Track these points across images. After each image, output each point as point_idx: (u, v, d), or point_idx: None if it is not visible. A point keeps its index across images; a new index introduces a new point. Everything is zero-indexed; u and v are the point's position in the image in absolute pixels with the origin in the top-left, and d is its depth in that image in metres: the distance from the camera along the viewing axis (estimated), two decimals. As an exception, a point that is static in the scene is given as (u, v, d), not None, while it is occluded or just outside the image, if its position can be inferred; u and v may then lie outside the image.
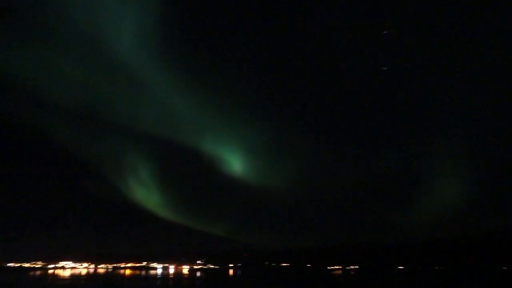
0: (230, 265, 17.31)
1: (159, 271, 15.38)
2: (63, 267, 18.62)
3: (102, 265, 19.19)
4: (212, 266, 16.76)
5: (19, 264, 18.30)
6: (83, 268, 18.40)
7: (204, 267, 16.97)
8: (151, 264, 18.50)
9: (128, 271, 14.64)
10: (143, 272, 13.50)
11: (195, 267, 17.02)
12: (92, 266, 19.18)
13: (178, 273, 12.77)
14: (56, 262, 18.63)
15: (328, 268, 14.99)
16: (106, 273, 13.77)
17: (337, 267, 15.46)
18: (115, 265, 19.27)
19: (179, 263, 17.91)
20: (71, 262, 19.53)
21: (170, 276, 9.08)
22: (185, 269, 15.75)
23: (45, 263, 18.77)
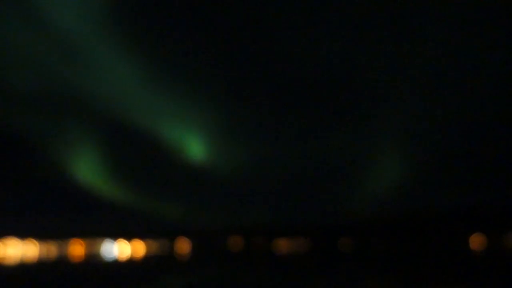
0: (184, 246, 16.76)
1: (109, 249, 14.07)
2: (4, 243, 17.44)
3: (48, 242, 17.95)
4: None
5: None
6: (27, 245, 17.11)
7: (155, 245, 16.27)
8: (101, 241, 17.45)
9: (77, 249, 13.78)
10: (94, 250, 12.74)
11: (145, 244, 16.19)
12: (37, 243, 17.99)
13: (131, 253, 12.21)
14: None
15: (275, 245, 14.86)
16: (53, 253, 12.98)
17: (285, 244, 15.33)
18: (61, 241, 18.15)
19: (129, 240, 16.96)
20: (14, 238, 18.32)
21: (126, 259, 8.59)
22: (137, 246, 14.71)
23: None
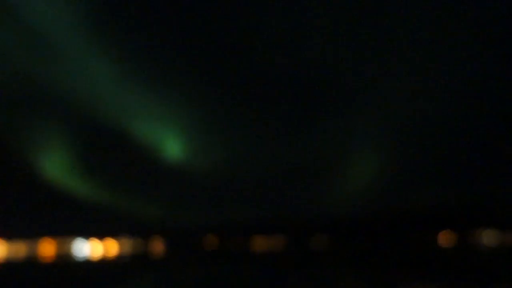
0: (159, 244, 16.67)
1: (81, 249, 13.70)
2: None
3: (16, 242, 17.41)
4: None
5: None
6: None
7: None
8: (73, 240, 16.98)
9: (48, 249, 13.41)
10: (65, 249, 12.45)
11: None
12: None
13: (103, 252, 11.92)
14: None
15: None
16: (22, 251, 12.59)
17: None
18: (31, 241, 17.56)
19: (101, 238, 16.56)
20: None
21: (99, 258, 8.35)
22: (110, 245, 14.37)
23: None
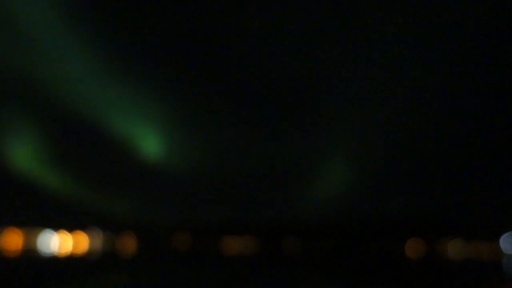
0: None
1: (49, 242, 13.05)
2: None
3: None
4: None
5: None
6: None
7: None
8: (40, 231, 16.49)
9: (13, 240, 12.87)
10: (32, 241, 12.03)
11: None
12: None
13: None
14: None
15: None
16: None
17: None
18: None
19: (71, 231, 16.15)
20: None
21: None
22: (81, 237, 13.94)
23: None
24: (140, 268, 2.61)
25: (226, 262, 3.48)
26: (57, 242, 13.64)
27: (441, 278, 2.06)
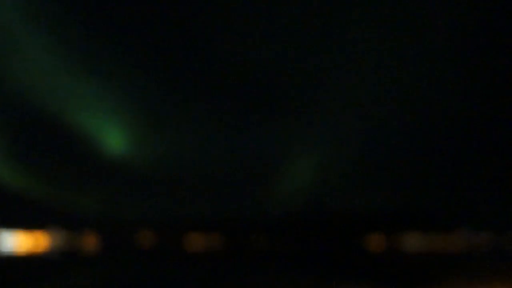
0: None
1: (5, 241, 12.42)
2: None
3: None
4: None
5: None
6: None
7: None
8: None
9: None
10: None
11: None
12: None
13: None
14: None
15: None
16: None
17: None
18: None
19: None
20: None
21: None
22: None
23: None
24: (103, 267, 2.55)
25: (192, 259, 3.45)
26: (15, 241, 13.09)
27: (402, 272, 2.12)
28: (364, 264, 2.97)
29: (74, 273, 2.08)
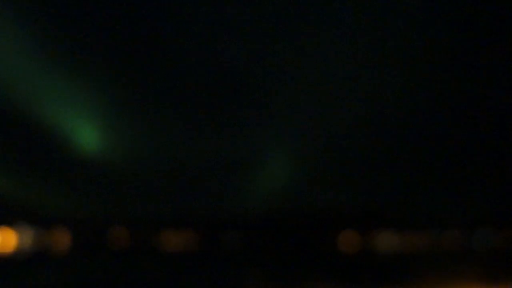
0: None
1: None
2: None
3: None
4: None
5: None
6: None
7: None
8: None
9: None
10: None
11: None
12: None
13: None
14: None
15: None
16: None
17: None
18: None
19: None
20: None
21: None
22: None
23: None
24: (74, 265, 2.49)
25: (166, 257, 3.42)
26: (-18, 239, 12.69)
27: (375, 270, 2.14)
28: (337, 261, 3.00)
29: (44, 272, 2.02)
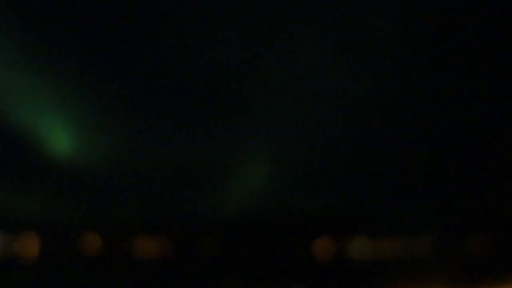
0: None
1: None
2: None
3: None
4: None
5: None
6: None
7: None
8: None
9: None
10: None
11: None
12: None
13: None
14: None
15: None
16: None
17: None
18: None
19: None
20: None
21: None
22: None
23: None
24: (44, 273, 2.39)
25: (139, 264, 3.34)
26: None
27: (349, 277, 2.15)
28: (312, 267, 2.98)
29: (12, 280, 1.94)
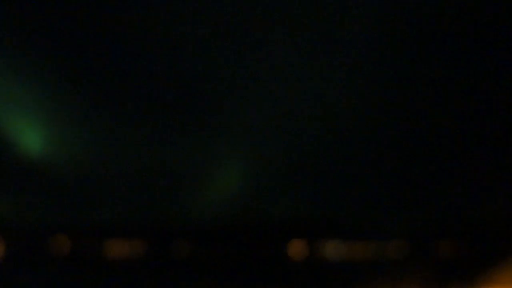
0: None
1: None
2: None
3: None
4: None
5: None
6: None
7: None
8: None
9: None
10: None
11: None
12: None
13: None
14: None
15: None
16: None
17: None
18: None
19: None
20: None
21: None
22: None
23: None
24: (11, 277, 2.33)
25: (111, 267, 3.31)
26: None
27: (324, 281, 2.17)
28: (286, 270, 3.02)
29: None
